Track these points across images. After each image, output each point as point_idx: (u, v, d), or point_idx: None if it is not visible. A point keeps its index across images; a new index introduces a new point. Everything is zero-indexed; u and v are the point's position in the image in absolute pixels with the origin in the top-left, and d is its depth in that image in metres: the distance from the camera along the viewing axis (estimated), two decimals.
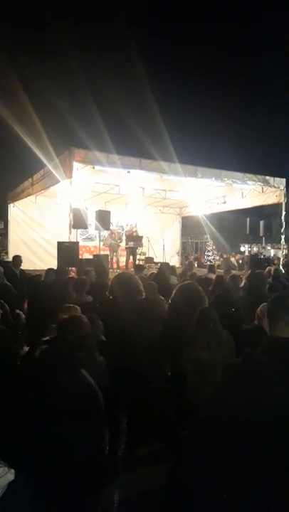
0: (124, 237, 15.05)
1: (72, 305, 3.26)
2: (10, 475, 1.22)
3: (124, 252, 14.90)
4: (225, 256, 19.01)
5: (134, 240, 13.64)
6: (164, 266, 7.34)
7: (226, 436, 1.42)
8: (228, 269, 9.30)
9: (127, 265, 13.86)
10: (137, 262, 13.36)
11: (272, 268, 10.09)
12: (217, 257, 18.80)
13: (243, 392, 1.40)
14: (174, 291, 3.75)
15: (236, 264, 16.61)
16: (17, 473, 1.25)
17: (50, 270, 6.79)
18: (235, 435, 1.39)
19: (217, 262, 17.32)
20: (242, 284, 6.08)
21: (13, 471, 1.24)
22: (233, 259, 17.68)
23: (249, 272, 8.55)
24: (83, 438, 1.91)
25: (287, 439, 1.30)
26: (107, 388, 2.38)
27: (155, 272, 7.35)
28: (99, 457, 2.11)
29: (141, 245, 14.14)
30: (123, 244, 14.69)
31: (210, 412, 1.55)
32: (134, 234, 13.76)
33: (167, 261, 12.96)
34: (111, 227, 12.47)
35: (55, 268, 7.26)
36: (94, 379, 2.16)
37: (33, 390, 2.10)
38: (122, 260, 15.01)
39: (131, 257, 13.86)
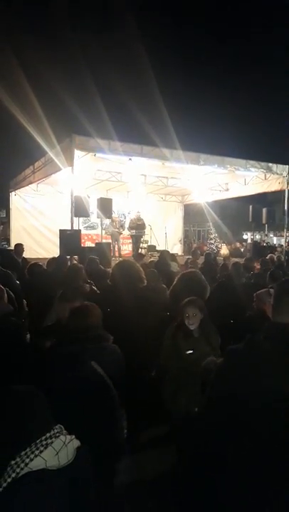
0: (126, 225, 15.01)
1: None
2: (76, 441, 1.32)
3: (127, 241, 14.87)
4: (195, 245, 18.91)
5: (137, 228, 13.59)
6: (165, 253, 7.32)
7: (227, 421, 1.42)
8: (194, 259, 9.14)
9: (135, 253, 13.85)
10: (139, 251, 13.34)
11: (275, 256, 10.08)
12: (220, 245, 18.69)
13: (246, 377, 1.40)
14: (175, 279, 3.73)
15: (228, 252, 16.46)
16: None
17: (52, 260, 6.81)
18: (237, 421, 1.39)
19: (222, 251, 17.25)
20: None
21: (77, 440, 1.34)
22: (225, 248, 17.59)
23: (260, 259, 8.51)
24: (97, 428, 1.93)
25: None
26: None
27: (155, 260, 7.34)
28: (114, 446, 2.13)
29: (143, 233, 14.10)
30: (125, 232, 14.65)
31: (211, 397, 1.55)
32: (140, 222, 13.67)
33: (169, 249, 12.94)
34: (113, 216, 12.42)
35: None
36: (106, 370, 2.15)
37: (44, 384, 2.10)
38: (124, 248, 14.99)
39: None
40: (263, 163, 11.92)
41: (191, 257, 9.89)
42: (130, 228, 13.76)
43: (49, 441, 1.25)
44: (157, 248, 14.49)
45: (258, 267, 7.10)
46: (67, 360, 2.09)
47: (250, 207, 13.48)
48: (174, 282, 3.68)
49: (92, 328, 2.30)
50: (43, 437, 1.25)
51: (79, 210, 9.73)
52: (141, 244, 14.42)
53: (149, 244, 15.19)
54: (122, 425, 2.33)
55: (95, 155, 9.77)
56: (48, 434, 1.27)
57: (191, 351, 2.83)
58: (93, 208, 11.92)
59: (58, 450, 1.24)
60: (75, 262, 8.85)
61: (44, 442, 1.24)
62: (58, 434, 1.29)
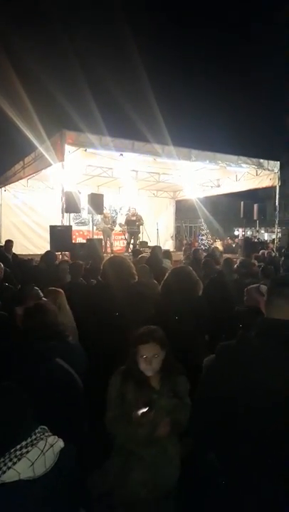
0: (117, 221, 14.93)
1: (55, 288, 3.23)
2: (60, 442, 1.28)
3: (118, 237, 14.79)
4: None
5: (129, 224, 13.55)
6: (157, 249, 7.29)
7: (219, 418, 1.41)
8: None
9: (127, 249, 13.77)
10: (131, 247, 13.31)
11: (266, 251, 10.13)
12: (211, 241, 18.75)
13: (238, 374, 1.38)
14: (166, 274, 3.70)
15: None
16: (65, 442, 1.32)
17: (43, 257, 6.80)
18: (229, 418, 1.37)
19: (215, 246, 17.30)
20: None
21: (61, 439, 1.31)
22: (220, 244, 17.65)
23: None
24: (67, 425, 1.89)
25: (285, 421, 1.28)
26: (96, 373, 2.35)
27: (147, 255, 7.30)
28: (83, 442, 2.10)
29: (138, 229, 14.04)
30: (116, 228, 14.57)
31: (202, 393, 1.53)
32: (134, 218, 13.60)
33: (161, 245, 12.92)
34: (104, 211, 12.35)
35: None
36: (71, 365, 2.12)
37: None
38: (116, 244, 14.92)
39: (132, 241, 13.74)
40: (254, 159, 11.95)
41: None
42: (126, 224, 13.70)
43: (24, 450, 1.18)
44: (149, 244, 14.47)
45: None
46: (32, 359, 2.04)
47: (242, 203, 13.55)
48: (165, 277, 3.64)
49: (51, 325, 2.25)
50: (18, 446, 1.19)
51: (70, 205, 9.64)
52: (132, 241, 14.37)
53: (140, 240, 15.16)
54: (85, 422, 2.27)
55: (85, 150, 9.67)
56: (23, 443, 1.20)
57: (145, 409, 1.96)
58: (84, 203, 11.83)
59: (33, 461, 1.17)
60: (66, 258, 8.80)
61: (18, 453, 1.17)
62: (35, 442, 1.22)
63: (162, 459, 2.03)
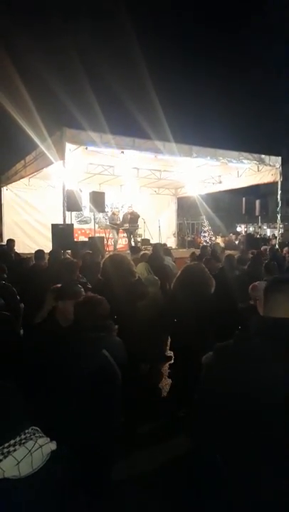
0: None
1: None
2: (52, 444, 1.25)
3: (121, 234, 14.77)
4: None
5: (130, 221, 13.52)
6: (158, 246, 7.30)
7: (220, 420, 1.40)
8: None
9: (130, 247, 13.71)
10: (132, 244, 13.27)
11: (268, 247, 10.10)
12: (213, 238, 18.71)
13: (235, 374, 1.37)
14: (179, 271, 3.70)
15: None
16: (58, 444, 1.29)
17: (38, 252, 6.80)
18: (229, 418, 1.37)
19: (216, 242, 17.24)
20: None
21: (54, 441, 1.28)
22: (220, 240, 17.60)
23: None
24: (105, 417, 1.94)
25: (286, 421, 1.27)
26: None
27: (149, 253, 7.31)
28: (113, 435, 2.13)
29: (137, 227, 14.02)
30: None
31: (201, 394, 1.53)
32: (130, 216, 13.58)
33: (163, 242, 12.90)
34: (112, 209, 12.33)
35: (40, 249, 7.20)
36: (114, 359, 2.16)
37: (55, 375, 2.08)
38: (119, 242, 14.92)
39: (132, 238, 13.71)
40: (255, 155, 11.90)
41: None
42: (123, 222, 13.68)
43: (11, 448, 1.17)
44: (151, 242, 14.45)
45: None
46: (81, 352, 2.08)
47: (244, 199, 13.48)
48: (178, 275, 3.64)
49: (104, 317, 2.32)
50: (6, 444, 1.17)
51: (71, 204, 9.65)
52: (134, 238, 14.35)
53: (142, 237, 15.14)
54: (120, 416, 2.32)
55: (86, 148, 9.66)
56: (12, 441, 1.18)
57: None
58: (86, 202, 11.82)
59: (19, 460, 1.16)
60: (68, 256, 8.81)
61: (5, 450, 1.16)
62: (24, 441, 1.21)
63: None
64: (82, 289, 3.01)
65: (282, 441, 1.27)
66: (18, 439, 1.21)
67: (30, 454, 1.18)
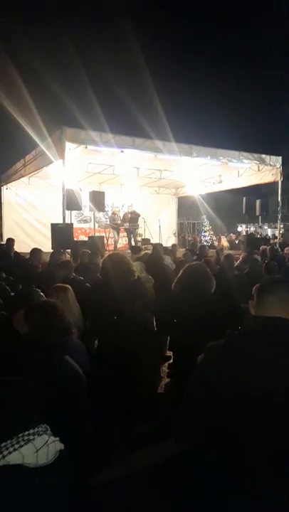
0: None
1: (62, 285, 3.21)
2: (58, 444, 1.32)
3: (121, 234, 14.74)
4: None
5: (130, 221, 13.50)
6: (158, 246, 7.28)
7: (209, 419, 1.39)
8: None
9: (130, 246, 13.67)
10: (133, 244, 13.25)
11: (268, 247, 10.08)
12: (214, 238, 18.71)
13: (225, 374, 1.37)
14: (181, 271, 3.66)
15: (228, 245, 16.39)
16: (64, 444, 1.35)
17: (34, 250, 6.79)
18: (219, 416, 1.36)
19: (216, 242, 17.23)
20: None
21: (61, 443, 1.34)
22: (224, 239, 17.55)
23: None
24: (73, 424, 1.88)
25: (279, 419, 1.26)
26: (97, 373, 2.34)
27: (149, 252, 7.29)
28: (87, 440, 2.09)
29: (137, 226, 13.99)
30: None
31: (193, 394, 1.52)
32: (130, 215, 13.55)
33: (164, 242, 12.88)
34: (112, 208, 12.30)
35: (35, 248, 7.17)
36: (77, 363, 2.12)
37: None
38: (120, 241, 14.90)
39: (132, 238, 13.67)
40: (256, 155, 11.88)
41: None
42: (124, 222, 13.66)
43: (31, 437, 1.25)
44: (152, 241, 14.41)
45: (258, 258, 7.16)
46: (42, 356, 2.02)
47: (244, 199, 13.44)
48: (179, 274, 3.60)
49: (57, 322, 2.19)
50: (26, 432, 1.25)
51: (71, 203, 9.62)
52: (135, 238, 14.32)
53: (143, 237, 15.11)
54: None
55: (86, 147, 9.64)
56: (31, 431, 1.27)
57: None
58: (86, 201, 11.80)
59: (38, 448, 1.24)
60: (68, 255, 8.80)
61: (26, 438, 1.24)
62: (41, 433, 1.29)
63: None
64: (41, 294, 2.93)
65: (273, 440, 1.27)
66: (36, 429, 1.29)
67: (46, 445, 1.26)
